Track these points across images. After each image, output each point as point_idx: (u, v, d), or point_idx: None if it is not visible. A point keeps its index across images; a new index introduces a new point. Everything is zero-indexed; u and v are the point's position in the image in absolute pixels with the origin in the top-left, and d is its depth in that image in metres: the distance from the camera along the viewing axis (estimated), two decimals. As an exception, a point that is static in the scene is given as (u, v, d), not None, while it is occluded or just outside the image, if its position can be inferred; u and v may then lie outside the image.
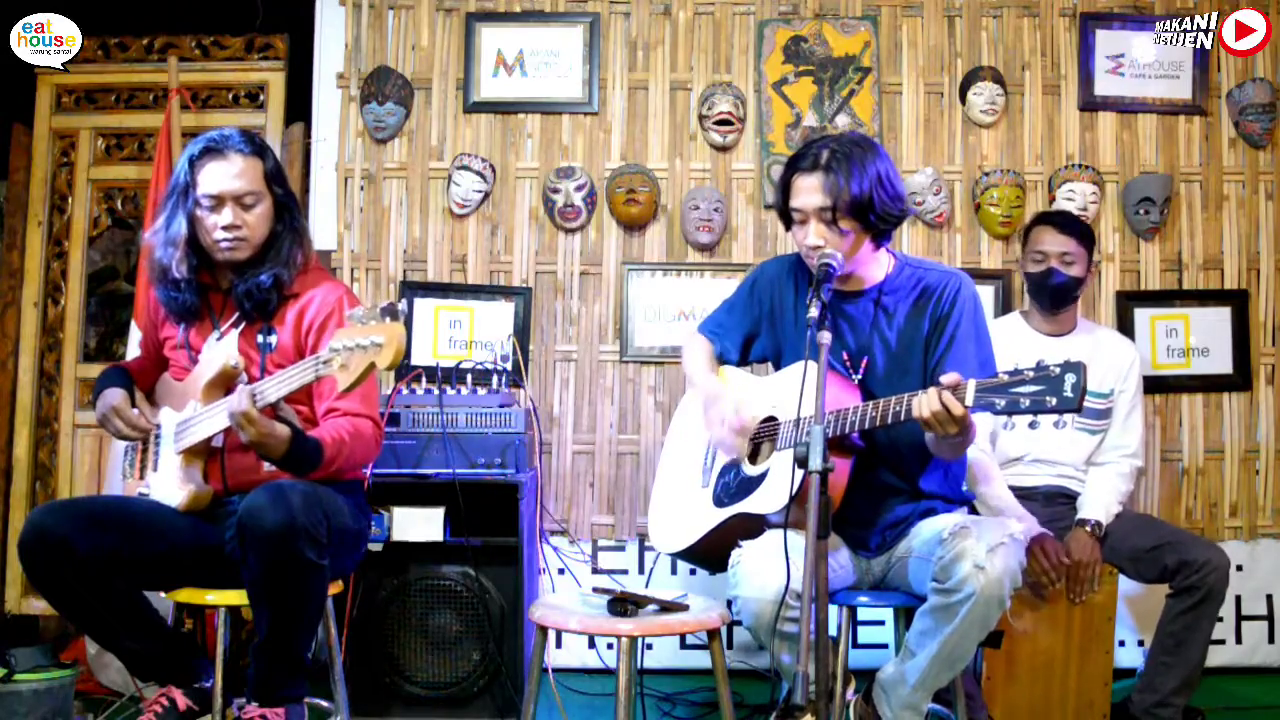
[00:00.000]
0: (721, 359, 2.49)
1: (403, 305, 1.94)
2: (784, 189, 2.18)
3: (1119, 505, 2.79)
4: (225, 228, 2.23)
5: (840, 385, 2.15)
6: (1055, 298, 2.84)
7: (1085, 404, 2.76)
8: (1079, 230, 2.86)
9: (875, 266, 2.23)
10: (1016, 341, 2.84)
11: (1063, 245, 2.81)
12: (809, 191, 2.11)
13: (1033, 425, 1.77)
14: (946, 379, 1.88)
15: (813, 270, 2.11)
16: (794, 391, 1.98)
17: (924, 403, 1.89)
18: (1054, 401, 1.71)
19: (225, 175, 2.23)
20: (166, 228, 2.28)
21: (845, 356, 2.22)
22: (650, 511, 2.58)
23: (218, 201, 2.23)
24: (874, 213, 2.09)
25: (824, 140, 2.16)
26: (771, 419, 2.27)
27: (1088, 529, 2.70)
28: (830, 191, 2.08)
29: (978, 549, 1.92)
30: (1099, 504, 2.75)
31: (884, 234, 2.17)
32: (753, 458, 2.29)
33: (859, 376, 2.21)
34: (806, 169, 2.12)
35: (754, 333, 2.42)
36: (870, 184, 2.08)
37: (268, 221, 2.28)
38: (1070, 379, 1.69)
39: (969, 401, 1.83)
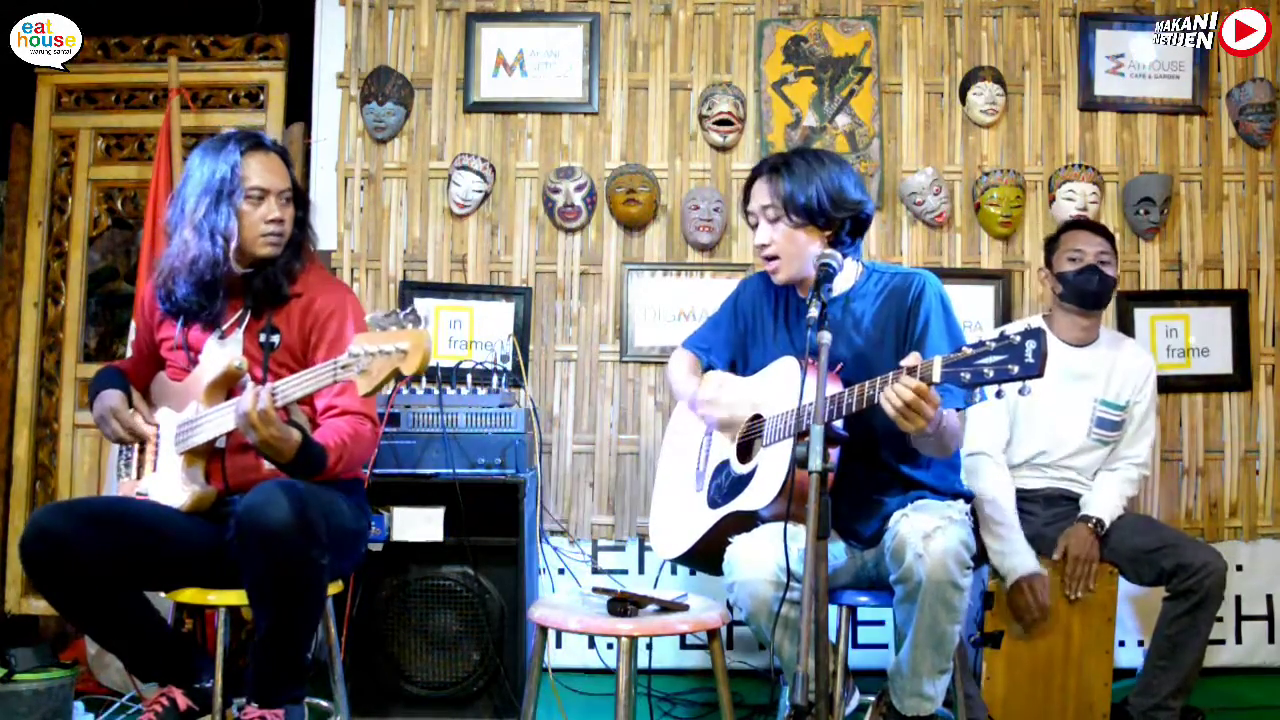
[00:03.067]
0: (708, 370, 2.54)
1: (425, 315, 1.94)
2: (745, 196, 2.33)
3: (1121, 510, 2.79)
4: (271, 220, 2.26)
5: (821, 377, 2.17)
6: (1097, 297, 2.82)
7: (1101, 414, 2.82)
8: (1108, 233, 2.90)
9: (841, 275, 2.26)
10: None
11: (1099, 245, 2.83)
12: (757, 193, 2.27)
13: (999, 394, 1.77)
14: (906, 361, 1.90)
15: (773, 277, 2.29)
16: (777, 388, 2.03)
17: (892, 391, 1.89)
18: (1016, 369, 1.72)
19: (270, 169, 2.28)
20: (213, 216, 2.21)
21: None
22: (650, 520, 2.60)
23: (263, 194, 2.26)
24: (821, 213, 2.20)
25: (783, 151, 2.33)
26: (758, 417, 2.29)
27: (1089, 525, 2.70)
28: (774, 191, 2.22)
29: (914, 537, 1.96)
30: (1104, 503, 2.75)
31: (841, 240, 2.24)
32: (743, 458, 2.31)
33: (839, 367, 2.24)
34: (759, 174, 2.28)
35: (739, 349, 2.47)
36: (816, 186, 2.20)
37: (290, 220, 2.33)
38: (1031, 345, 1.70)
39: (935, 378, 1.84)
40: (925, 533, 1.95)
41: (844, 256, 2.24)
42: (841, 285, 2.28)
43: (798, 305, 2.34)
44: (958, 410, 2.09)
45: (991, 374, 1.75)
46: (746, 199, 2.31)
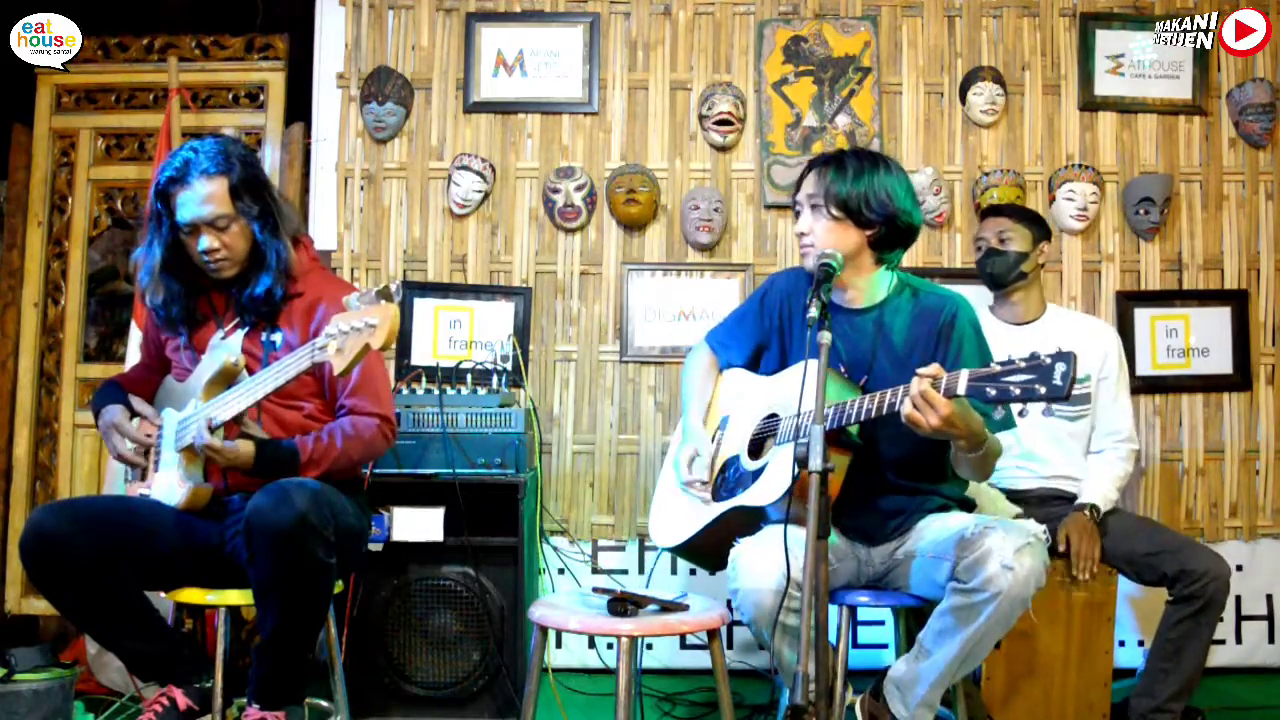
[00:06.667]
0: (727, 368, 2.52)
1: (395, 285, 1.98)
2: (797, 187, 2.31)
3: (1118, 493, 2.80)
4: (206, 252, 2.26)
5: (841, 383, 2.16)
6: (993, 278, 2.89)
7: None
8: (1012, 210, 2.95)
9: (876, 284, 2.26)
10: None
11: (997, 225, 2.89)
12: (807, 183, 2.26)
13: (1022, 414, 1.77)
14: (927, 369, 1.89)
15: (811, 270, 2.19)
16: (794, 390, 2.00)
17: (908, 394, 1.89)
18: (1044, 390, 1.73)
19: (193, 204, 2.23)
20: (147, 255, 2.33)
21: (843, 369, 2.24)
22: (651, 508, 2.59)
23: (193, 229, 2.25)
24: (860, 212, 2.17)
25: (842, 148, 2.32)
26: (774, 416, 2.28)
27: (1085, 512, 2.72)
28: (821, 183, 2.21)
29: (1005, 548, 1.93)
30: (1097, 490, 2.78)
31: (883, 244, 2.21)
32: (754, 455, 2.30)
33: (863, 381, 2.22)
34: (813, 166, 2.26)
35: (763, 344, 2.44)
36: (865, 186, 2.18)
37: (245, 237, 2.28)
38: (1060, 367, 1.72)
39: (961, 390, 1.84)
40: (1018, 546, 1.93)
41: (879, 265, 2.24)
42: (875, 296, 2.26)
43: (832, 306, 2.30)
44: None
45: (1018, 392, 1.76)
46: (798, 190, 2.29)
